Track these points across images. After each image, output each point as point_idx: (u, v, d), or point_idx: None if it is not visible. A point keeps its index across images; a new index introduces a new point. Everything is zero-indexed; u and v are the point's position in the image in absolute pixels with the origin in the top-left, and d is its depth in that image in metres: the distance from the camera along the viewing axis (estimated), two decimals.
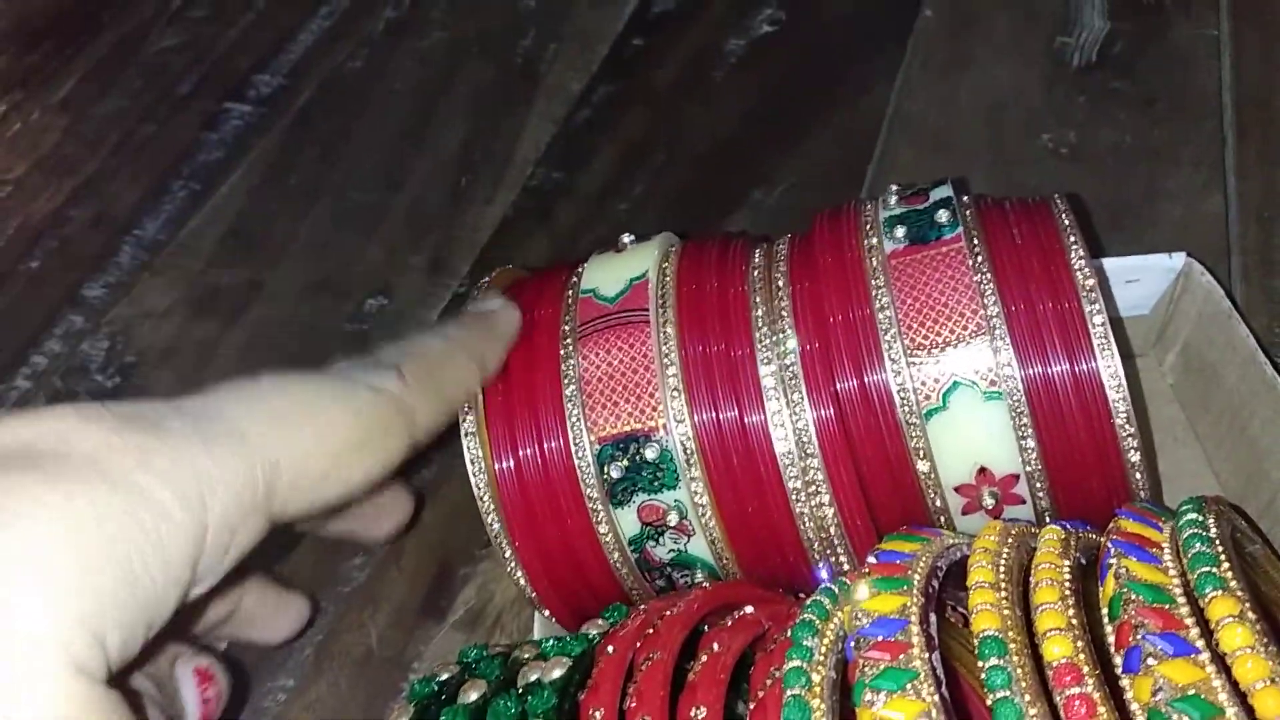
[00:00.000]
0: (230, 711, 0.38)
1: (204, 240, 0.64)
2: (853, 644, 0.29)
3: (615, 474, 0.37)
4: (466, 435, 0.39)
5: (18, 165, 0.69)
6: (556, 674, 0.32)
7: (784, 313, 0.38)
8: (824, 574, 0.38)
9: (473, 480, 0.38)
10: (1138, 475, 0.36)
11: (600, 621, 0.36)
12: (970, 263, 0.37)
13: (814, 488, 0.37)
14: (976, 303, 0.36)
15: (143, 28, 0.78)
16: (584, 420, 0.38)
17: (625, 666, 0.32)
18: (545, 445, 0.38)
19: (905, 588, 0.31)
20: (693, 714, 0.30)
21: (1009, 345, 0.35)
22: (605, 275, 0.41)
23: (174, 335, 0.59)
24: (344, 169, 0.67)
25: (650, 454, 0.37)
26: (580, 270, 0.42)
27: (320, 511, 0.35)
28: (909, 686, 0.27)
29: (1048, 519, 0.37)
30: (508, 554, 0.39)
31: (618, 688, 0.31)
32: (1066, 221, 0.38)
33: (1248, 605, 0.28)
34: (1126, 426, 0.35)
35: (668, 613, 0.34)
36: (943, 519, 0.37)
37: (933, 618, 0.30)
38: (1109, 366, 0.35)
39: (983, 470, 0.36)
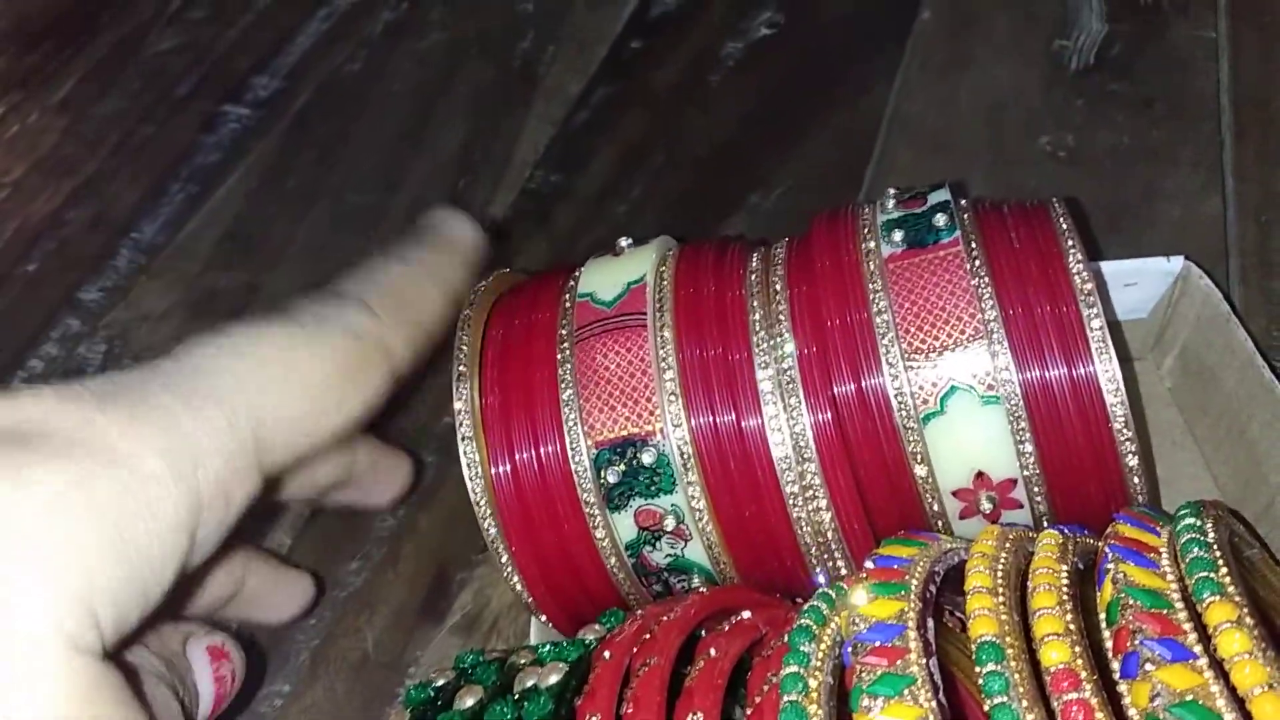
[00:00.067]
0: (228, 713, 0.38)
1: (202, 243, 0.64)
2: (850, 649, 0.29)
3: (612, 478, 0.37)
4: (463, 439, 0.38)
5: (16, 166, 0.69)
6: (553, 679, 0.32)
7: (781, 316, 0.38)
8: (821, 579, 0.38)
9: (469, 485, 0.38)
10: (1136, 480, 0.36)
11: (597, 626, 0.36)
12: (968, 267, 0.37)
13: (811, 492, 0.37)
14: (974, 307, 0.36)
15: (141, 29, 0.78)
16: (581, 424, 0.38)
17: (622, 672, 0.32)
18: (542, 449, 0.38)
19: (903, 593, 0.31)
20: (689, 719, 0.30)
21: (1007, 349, 0.35)
22: (603, 279, 0.41)
23: (171, 338, 0.59)
24: (342, 171, 0.67)
25: (647, 458, 0.37)
26: (577, 274, 0.42)
27: (313, 459, 0.35)
28: (906, 692, 0.27)
29: (1045, 523, 0.37)
30: (504, 559, 0.39)
31: (614, 693, 0.31)
32: (1064, 225, 0.38)
33: (1246, 610, 0.27)
34: (1124, 431, 0.35)
35: (665, 618, 0.34)
36: (940, 523, 0.37)
37: (930, 623, 0.30)
38: (1107, 371, 0.35)
39: (980, 475, 0.36)
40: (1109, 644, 0.29)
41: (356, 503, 0.45)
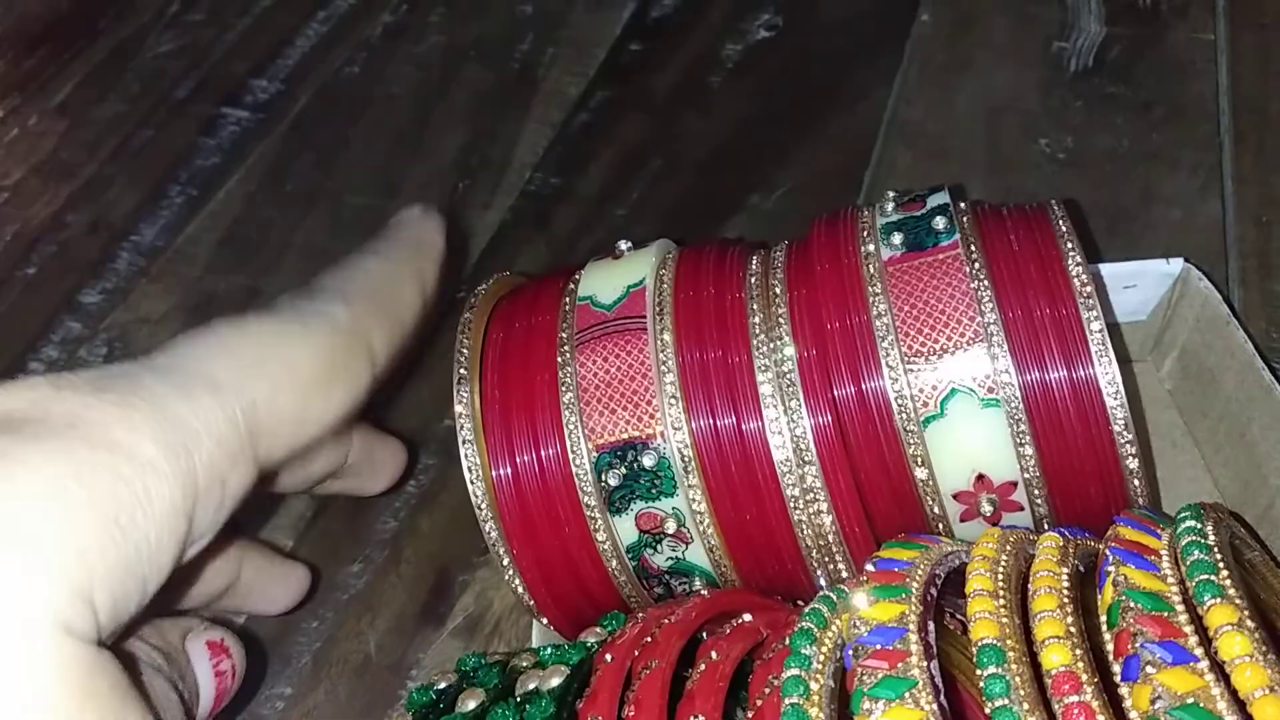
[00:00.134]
0: (229, 715, 0.38)
1: (201, 246, 0.64)
2: (851, 652, 0.29)
3: (613, 481, 0.37)
4: (464, 444, 0.38)
5: (14, 170, 0.69)
6: (555, 682, 0.32)
7: (781, 320, 0.38)
8: (822, 581, 0.38)
9: (470, 488, 0.38)
10: (1136, 482, 0.36)
11: (598, 629, 0.36)
12: (967, 269, 0.37)
13: (812, 495, 0.37)
14: (974, 309, 0.36)
15: (140, 33, 0.78)
16: (581, 428, 0.38)
17: (623, 674, 0.32)
18: (543, 453, 0.38)
19: (904, 595, 0.31)
20: None
21: (1006, 352, 0.35)
22: (602, 282, 0.41)
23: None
24: (341, 174, 0.67)
25: (648, 461, 0.37)
26: (577, 277, 0.42)
27: (306, 452, 0.35)
28: (907, 695, 0.27)
29: (1046, 526, 0.37)
30: (505, 562, 0.39)
31: (616, 696, 0.31)
32: (1064, 228, 0.38)
33: (1246, 613, 0.28)
34: (1124, 433, 0.35)
35: (666, 620, 0.34)
36: (941, 526, 0.37)
37: (931, 626, 0.30)
38: (1107, 373, 0.35)
39: (981, 477, 0.36)
40: (1110, 647, 0.29)
41: (352, 490, 0.46)
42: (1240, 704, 0.26)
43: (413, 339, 0.40)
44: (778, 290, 0.39)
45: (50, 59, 0.77)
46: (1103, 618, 0.30)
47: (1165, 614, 0.29)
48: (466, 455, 0.38)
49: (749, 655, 0.34)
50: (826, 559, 0.38)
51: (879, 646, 0.29)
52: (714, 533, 0.37)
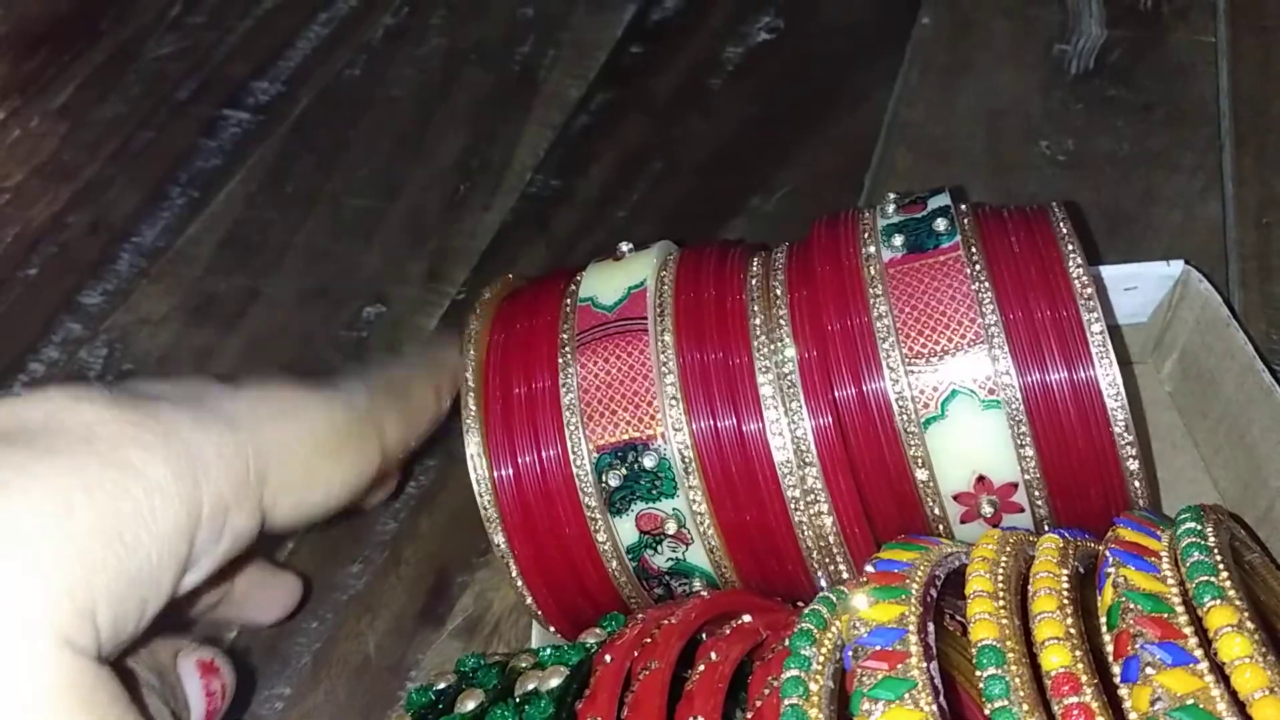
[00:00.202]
0: (229, 716, 0.38)
1: (202, 247, 0.64)
2: (851, 653, 0.29)
3: (613, 482, 0.37)
4: (471, 457, 0.38)
5: (16, 172, 0.69)
6: (554, 683, 0.32)
7: (782, 321, 0.38)
8: (822, 583, 0.38)
9: (479, 499, 0.38)
10: (1136, 484, 0.36)
11: (598, 630, 0.36)
12: (968, 271, 0.37)
13: (812, 496, 0.37)
14: (974, 311, 0.36)
15: (141, 34, 0.78)
16: (582, 429, 0.38)
17: (623, 675, 0.32)
18: (544, 454, 0.38)
19: (903, 597, 0.31)
20: None
21: (1007, 354, 0.35)
22: (603, 284, 0.41)
23: (171, 342, 0.59)
24: (342, 176, 0.67)
25: (648, 462, 0.37)
26: (578, 279, 0.42)
27: (303, 523, 0.36)
28: (907, 696, 0.27)
29: (1046, 527, 0.37)
30: (509, 563, 0.39)
31: (615, 697, 0.31)
32: (1064, 230, 0.38)
33: (1246, 614, 0.27)
34: (1125, 435, 0.35)
35: (665, 621, 0.34)
36: (941, 527, 0.37)
37: (931, 627, 0.30)
38: (1107, 375, 0.35)
39: (981, 479, 0.36)
40: (1110, 648, 0.29)
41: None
42: (1240, 705, 0.26)
43: (423, 441, 0.42)
44: (779, 292, 0.39)
45: (51, 60, 0.77)
46: (1102, 619, 0.30)
47: (1165, 615, 0.28)
48: (475, 469, 0.38)
49: (748, 656, 0.34)
50: (827, 560, 0.38)
51: (879, 647, 0.29)
52: (714, 534, 0.37)
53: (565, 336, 0.39)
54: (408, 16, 0.78)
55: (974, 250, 0.37)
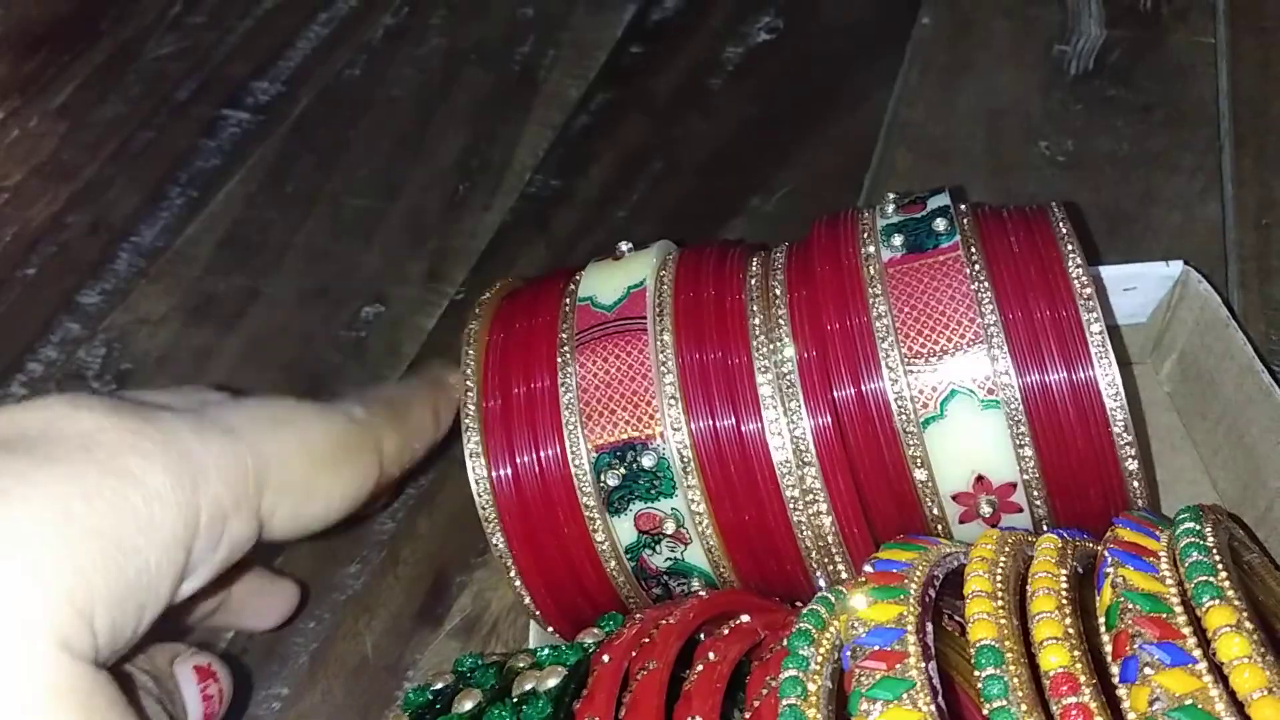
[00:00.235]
0: (227, 716, 0.38)
1: (201, 247, 0.64)
2: (849, 653, 0.29)
3: (612, 482, 0.37)
4: (471, 456, 0.38)
5: (15, 171, 0.69)
6: (551, 683, 0.32)
7: (781, 321, 0.38)
8: (821, 582, 0.38)
9: (478, 501, 0.38)
10: (1135, 484, 0.36)
11: (596, 630, 0.36)
12: (968, 271, 0.37)
13: (811, 496, 0.37)
14: (974, 311, 0.36)
15: (141, 34, 0.78)
16: (581, 428, 0.38)
17: (621, 675, 0.32)
18: (542, 453, 0.38)
19: (902, 597, 0.31)
20: None
21: (1006, 353, 0.35)
22: (603, 283, 0.41)
23: (170, 342, 0.59)
24: (341, 176, 0.67)
25: (647, 462, 0.37)
26: (578, 278, 0.42)
27: (301, 534, 0.36)
28: (905, 696, 0.27)
29: (1045, 527, 0.37)
30: (507, 563, 0.39)
31: (613, 697, 0.31)
32: (1064, 230, 0.38)
33: (1245, 614, 0.27)
34: (1124, 435, 0.35)
35: (664, 621, 0.34)
36: (940, 527, 0.37)
37: (929, 627, 0.30)
38: (1106, 375, 0.35)
39: (980, 479, 0.36)
40: (1108, 648, 0.29)
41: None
42: (1238, 705, 0.26)
43: (421, 460, 0.42)
44: (778, 291, 0.39)
45: (51, 61, 0.77)
46: (1101, 619, 0.30)
47: (1164, 615, 0.28)
48: (474, 469, 0.38)
49: (747, 656, 0.34)
50: (825, 560, 0.38)
51: (877, 647, 0.29)
52: (713, 533, 0.37)
53: (564, 336, 0.39)
54: (408, 16, 0.78)
55: (973, 250, 0.37)
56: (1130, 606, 0.29)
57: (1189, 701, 0.26)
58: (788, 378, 0.37)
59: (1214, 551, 0.30)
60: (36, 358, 0.59)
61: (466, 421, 0.39)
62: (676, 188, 0.65)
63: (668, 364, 0.37)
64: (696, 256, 0.41)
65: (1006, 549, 0.33)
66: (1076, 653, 0.28)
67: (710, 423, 0.37)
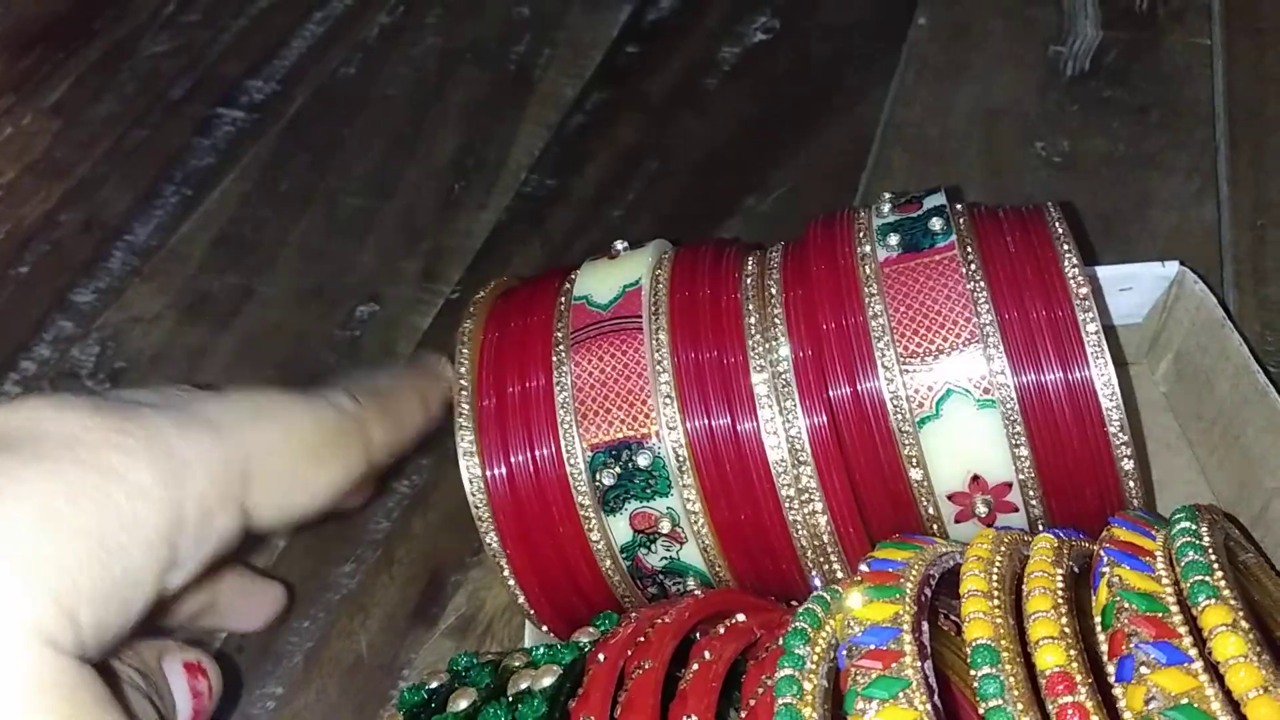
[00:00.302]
0: (221, 715, 0.38)
1: (195, 246, 0.64)
2: (845, 652, 0.29)
3: (608, 481, 0.37)
4: (464, 454, 0.38)
5: (9, 169, 0.69)
6: (547, 682, 0.32)
7: (777, 320, 0.38)
8: (816, 582, 0.38)
9: (471, 499, 0.38)
10: (1131, 484, 0.36)
11: (591, 629, 0.36)
12: (963, 270, 0.37)
13: (807, 495, 0.37)
14: (970, 310, 0.36)
15: (135, 33, 0.78)
16: (576, 427, 0.38)
17: (616, 674, 0.31)
18: (537, 452, 0.38)
19: (898, 596, 0.31)
20: None
21: (1002, 353, 0.35)
22: (598, 282, 0.41)
23: (164, 341, 0.59)
24: (336, 175, 0.67)
25: (643, 461, 0.37)
26: (573, 277, 0.42)
27: (288, 525, 0.36)
28: (901, 695, 0.27)
29: (1041, 527, 0.37)
30: (500, 562, 0.39)
31: (608, 695, 0.31)
32: (1060, 229, 0.38)
33: (1241, 614, 0.27)
34: (1120, 435, 0.35)
35: (659, 620, 0.34)
36: (935, 527, 0.37)
37: (925, 626, 0.30)
38: (1102, 375, 0.35)
39: (976, 478, 0.36)
40: (1104, 647, 0.29)
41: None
42: (1234, 704, 0.26)
43: (410, 449, 0.42)
44: (773, 291, 0.39)
45: (45, 59, 0.77)
46: (1097, 619, 0.29)
47: (1160, 615, 0.28)
48: (468, 468, 0.38)
49: (742, 655, 0.34)
50: (821, 559, 0.38)
51: (873, 646, 0.29)
52: (708, 533, 0.37)
53: (560, 335, 0.39)
54: (403, 15, 0.78)
55: (969, 250, 0.37)
56: (1126, 606, 0.29)
57: (1185, 700, 0.26)
58: (783, 377, 0.37)
59: (1210, 551, 0.30)
60: (30, 356, 0.59)
61: (460, 420, 0.39)
62: (672, 188, 0.65)
63: (663, 363, 0.37)
64: (692, 255, 0.41)
65: (1002, 548, 0.33)
66: (1073, 652, 0.28)
67: (706, 422, 0.37)
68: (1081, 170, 0.62)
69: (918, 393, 0.36)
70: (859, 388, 0.36)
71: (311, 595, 0.48)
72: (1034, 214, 0.39)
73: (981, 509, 0.36)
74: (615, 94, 0.70)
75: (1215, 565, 0.29)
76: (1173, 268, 0.48)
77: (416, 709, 0.34)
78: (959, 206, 0.40)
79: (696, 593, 0.38)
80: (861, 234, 0.39)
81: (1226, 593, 0.28)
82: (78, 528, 0.29)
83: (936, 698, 0.27)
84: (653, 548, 0.38)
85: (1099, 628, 0.29)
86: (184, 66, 0.75)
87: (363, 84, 0.73)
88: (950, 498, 0.37)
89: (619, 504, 0.37)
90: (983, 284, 0.36)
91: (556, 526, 0.38)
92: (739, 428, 0.37)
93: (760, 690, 0.31)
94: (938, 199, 0.39)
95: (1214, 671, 0.27)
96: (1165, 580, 0.30)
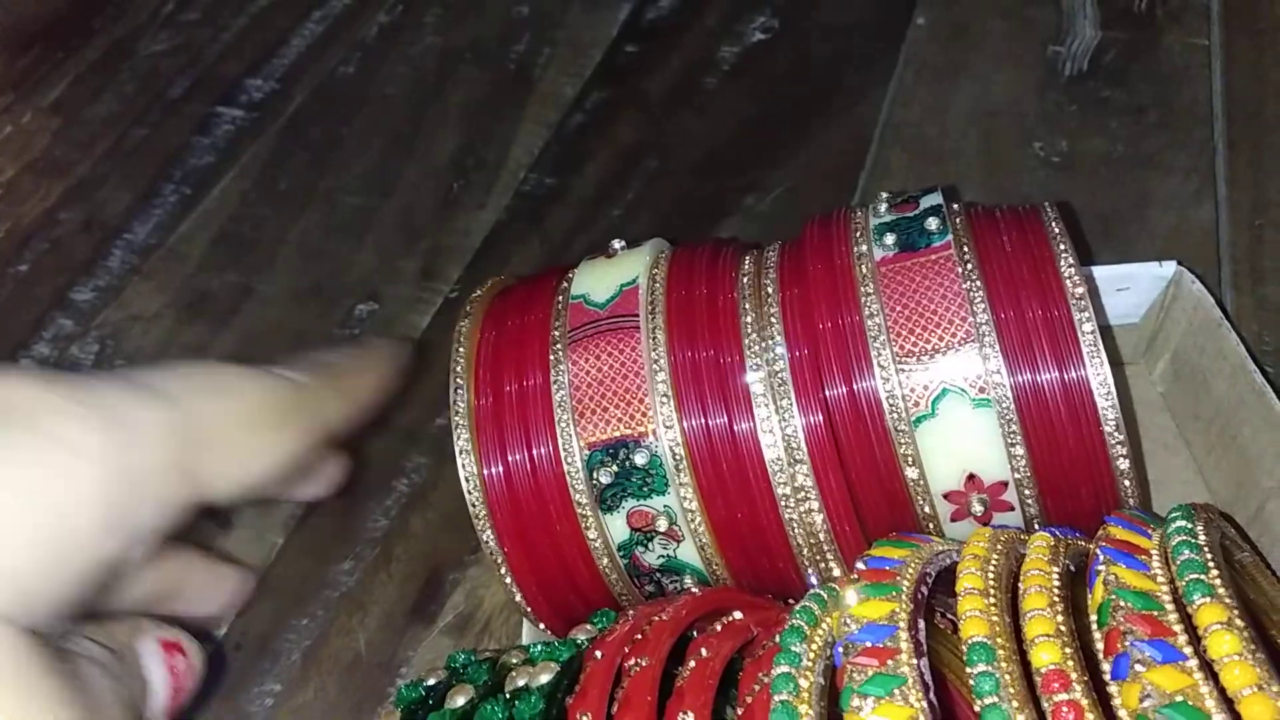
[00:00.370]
0: (219, 712, 0.38)
1: (194, 244, 0.64)
2: (841, 650, 0.29)
3: (605, 479, 0.37)
4: (461, 453, 0.38)
5: (8, 168, 0.69)
6: (544, 679, 0.32)
7: (773, 319, 0.38)
8: (813, 580, 0.38)
9: (468, 498, 0.38)
10: (1126, 483, 0.36)
11: (589, 627, 0.36)
12: (960, 270, 0.37)
13: (803, 494, 0.37)
14: (966, 310, 0.36)
15: (135, 32, 0.78)
16: (573, 426, 0.38)
17: (613, 671, 0.32)
18: (535, 451, 0.38)
19: (894, 594, 0.31)
20: (680, 719, 0.30)
21: (998, 352, 0.35)
22: (596, 281, 0.41)
23: (163, 339, 0.59)
24: (336, 174, 0.67)
25: (640, 459, 0.37)
26: (570, 276, 0.42)
27: (243, 496, 0.36)
28: (897, 692, 0.27)
29: (1037, 526, 0.37)
30: (497, 560, 0.39)
31: (605, 692, 0.31)
32: (1056, 229, 0.38)
33: (1236, 612, 0.27)
34: (1115, 434, 0.35)
35: (656, 618, 0.34)
36: (931, 525, 0.37)
37: (921, 624, 0.30)
38: (1098, 374, 0.35)
39: (972, 477, 0.36)
40: (1100, 645, 0.29)
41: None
42: (1229, 702, 0.26)
43: (366, 420, 0.41)
44: (770, 290, 0.39)
45: (45, 57, 0.77)
46: (1093, 617, 0.30)
47: (1155, 613, 0.28)
48: (464, 465, 0.38)
49: (739, 653, 0.34)
50: (817, 557, 0.38)
51: (869, 644, 0.29)
52: (705, 531, 0.37)
53: (557, 334, 0.39)
54: (402, 15, 0.78)
55: (966, 249, 0.37)
56: (1122, 604, 0.29)
57: (1180, 698, 0.26)
58: (779, 376, 0.37)
59: (1205, 549, 0.30)
60: (29, 354, 0.59)
61: (456, 419, 0.39)
62: (671, 187, 0.65)
63: (660, 362, 0.37)
64: (689, 255, 0.41)
65: (999, 547, 0.33)
66: (1068, 650, 0.28)
67: (702, 420, 0.37)
68: (1080, 170, 0.62)
69: (914, 392, 0.36)
70: (855, 387, 0.36)
71: (310, 593, 0.49)
72: (1031, 214, 0.39)
73: (977, 508, 0.36)
74: (614, 93, 0.71)
75: (1210, 564, 0.29)
76: (1170, 268, 0.48)
77: (414, 705, 0.34)
78: (955, 206, 0.40)
79: (694, 591, 0.38)
80: (858, 233, 0.39)
81: (1221, 591, 0.28)
82: (20, 493, 0.29)
83: (932, 694, 0.28)
84: (650, 546, 0.38)
85: (1095, 626, 0.29)
86: (183, 65, 0.75)
87: (362, 83, 0.73)
88: (946, 496, 0.37)
89: (616, 502, 0.37)
90: (979, 283, 0.36)
91: (554, 524, 0.38)
92: (735, 427, 0.37)
93: (757, 687, 0.31)
94: (934, 199, 0.40)
95: (1209, 669, 0.27)
96: (1161, 579, 0.30)
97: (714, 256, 0.41)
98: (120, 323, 0.60)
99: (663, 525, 0.37)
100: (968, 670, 0.28)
